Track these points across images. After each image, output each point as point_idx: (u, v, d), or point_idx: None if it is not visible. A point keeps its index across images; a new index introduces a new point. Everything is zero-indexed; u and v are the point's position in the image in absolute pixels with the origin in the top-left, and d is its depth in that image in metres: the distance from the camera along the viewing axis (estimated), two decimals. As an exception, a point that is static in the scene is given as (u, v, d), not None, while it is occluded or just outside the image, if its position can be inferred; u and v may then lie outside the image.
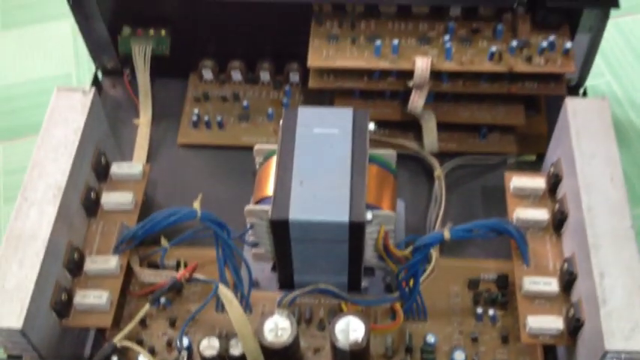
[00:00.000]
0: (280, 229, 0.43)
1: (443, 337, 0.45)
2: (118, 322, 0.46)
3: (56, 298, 0.42)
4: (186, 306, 0.47)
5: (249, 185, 0.54)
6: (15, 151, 0.60)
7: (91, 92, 0.48)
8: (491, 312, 0.46)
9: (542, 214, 0.46)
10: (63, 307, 0.42)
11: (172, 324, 0.46)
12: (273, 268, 0.49)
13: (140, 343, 0.45)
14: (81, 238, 0.46)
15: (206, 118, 0.57)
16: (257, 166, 0.49)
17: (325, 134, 0.46)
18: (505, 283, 0.47)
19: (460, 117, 0.55)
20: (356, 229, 0.43)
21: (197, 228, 0.48)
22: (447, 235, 0.43)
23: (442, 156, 0.54)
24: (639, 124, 0.59)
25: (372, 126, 0.47)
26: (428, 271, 0.48)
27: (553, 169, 0.47)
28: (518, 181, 0.48)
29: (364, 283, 0.48)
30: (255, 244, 0.47)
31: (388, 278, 0.49)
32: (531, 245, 0.45)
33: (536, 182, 0.48)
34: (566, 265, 0.43)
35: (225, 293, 0.43)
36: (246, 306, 0.47)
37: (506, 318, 0.46)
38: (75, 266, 0.44)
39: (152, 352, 0.45)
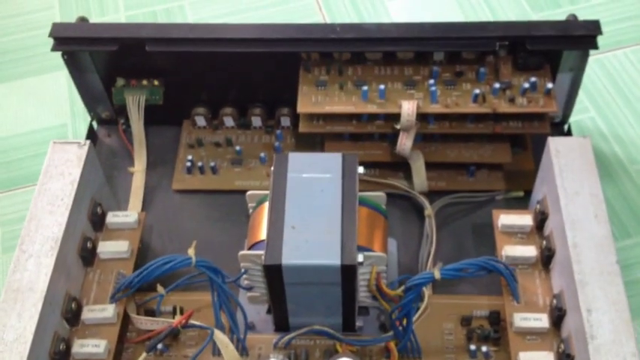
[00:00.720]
0: (274, 273, 0.44)
1: (437, 375, 0.46)
2: (116, 370, 0.46)
3: (55, 348, 0.42)
4: (183, 351, 0.48)
5: (243, 229, 0.55)
6: (12, 202, 0.61)
7: (87, 145, 0.49)
8: (484, 348, 0.46)
9: (530, 251, 0.47)
10: (61, 356, 0.43)
11: (170, 370, 0.47)
12: (269, 311, 0.50)
13: (139, 390, 0.46)
14: (78, 287, 0.46)
15: (200, 163, 0.58)
16: (250, 211, 0.50)
17: (316, 179, 0.47)
18: (497, 319, 0.48)
19: (448, 156, 0.56)
20: (348, 272, 0.44)
21: (192, 274, 0.48)
22: (437, 275, 0.43)
23: (432, 194, 0.56)
24: (624, 158, 0.60)
25: (361, 169, 0.48)
26: (421, 310, 0.49)
27: (539, 206, 0.48)
28: (506, 218, 0.49)
29: (359, 323, 0.49)
30: (250, 288, 0.48)
31: (382, 317, 0.50)
32: (521, 282, 0.46)
33: (524, 219, 0.49)
34: (555, 300, 0.44)
35: (221, 338, 0.44)
36: (243, 349, 0.47)
37: (500, 354, 0.46)
38: (72, 316, 0.44)
39: (151, 399, 0.45)
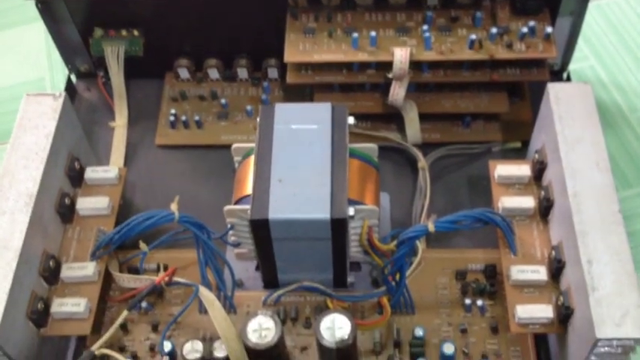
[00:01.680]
0: (261, 228, 0.42)
1: (431, 329, 0.44)
2: (98, 330, 0.45)
3: (32, 307, 0.40)
4: (169, 310, 0.46)
5: (230, 185, 0.53)
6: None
7: (62, 97, 0.46)
8: (479, 303, 0.45)
9: (527, 202, 0.45)
10: (40, 316, 0.41)
11: (155, 328, 0.45)
12: (257, 268, 0.48)
13: (122, 349, 0.44)
14: (56, 245, 0.44)
15: (184, 117, 0.56)
16: (236, 165, 0.48)
17: (304, 130, 0.45)
18: (493, 272, 0.46)
19: (442, 107, 0.54)
20: (338, 226, 0.42)
21: (176, 230, 0.47)
22: (431, 227, 0.42)
23: (426, 147, 0.54)
24: (625, 107, 0.58)
25: (351, 120, 0.45)
26: (414, 264, 0.47)
27: (537, 155, 0.46)
28: (502, 169, 0.47)
29: (350, 279, 0.47)
30: (237, 244, 0.46)
31: (375, 273, 0.48)
32: (518, 234, 0.44)
33: (521, 170, 0.47)
34: (554, 252, 0.42)
35: (207, 295, 0.42)
36: (230, 307, 0.46)
37: (496, 308, 0.45)
38: (51, 274, 0.42)
39: (135, 357, 0.44)
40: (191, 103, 0.57)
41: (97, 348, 0.39)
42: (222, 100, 0.57)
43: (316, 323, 0.40)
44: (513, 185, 0.47)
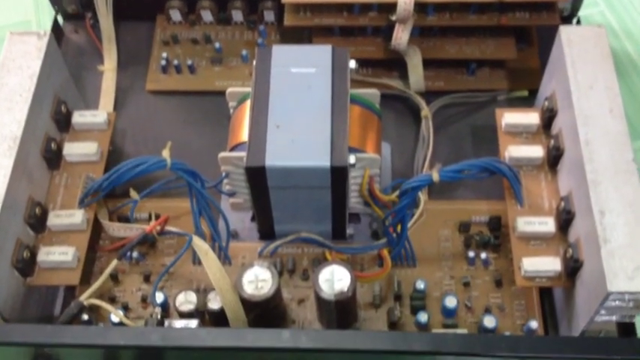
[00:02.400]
0: (257, 176, 0.40)
1: (433, 282, 0.43)
2: (88, 280, 0.43)
3: (17, 255, 0.39)
4: (161, 260, 0.44)
5: (224, 132, 0.51)
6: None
7: (47, 36, 0.44)
8: (483, 255, 0.43)
9: (536, 151, 0.43)
10: (26, 265, 0.39)
11: (147, 279, 0.44)
12: (253, 218, 0.46)
13: (113, 299, 0.43)
14: (43, 192, 0.42)
15: (176, 62, 0.53)
16: (231, 111, 0.46)
17: (302, 74, 0.43)
18: (498, 225, 0.44)
19: (447, 52, 0.51)
20: (338, 174, 0.40)
21: (169, 178, 0.45)
22: (435, 176, 0.40)
23: (428, 95, 0.51)
24: (635, 55, 0.56)
25: (353, 64, 0.43)
26: (416, 216, 0.45)
27: (547, 103, 0.44)
28: (510, 117, 0.45)
29: (349, 231, 0.45)
30: (232, 194, 0.44)
31: (375, 224, 0.46)
32: (525, 184, 0.43)
33: (529, 118, 0.45)
34: (562, 203, 0.40)
35: (200, 245, 0.40)
36: (225, 258, 0.44)
37: (500, 261, 0.44)
38: (37, 222, 0.41)
39: (126, 308, 0.42)
40: (183, 46, 0.55)
41: (85, 298, 0.38)
42: (216, 44, 0.54)
43: (314, 275, 0.39)
44: (521, 134, 0.45)
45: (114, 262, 0.39)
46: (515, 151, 0.43)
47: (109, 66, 0.53)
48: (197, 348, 0.33)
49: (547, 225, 0.40)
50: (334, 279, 0.39)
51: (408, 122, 0.52)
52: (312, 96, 0.42)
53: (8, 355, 0.35)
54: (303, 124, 0.41)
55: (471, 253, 0.43)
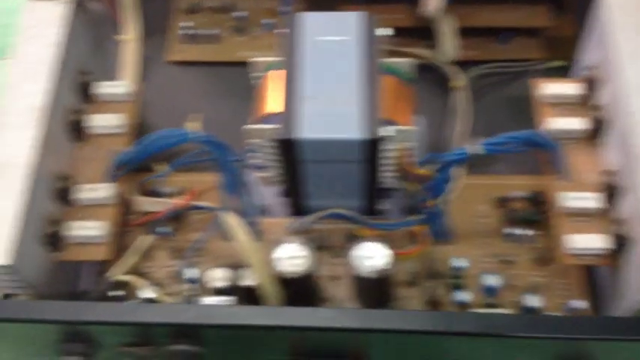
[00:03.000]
0: (288, 149, 0.39)
1: (472, 260, 0.42)
2: (115, 254, 0.42)
3: (46, 230, 0.37)
4: (190, 235, 0.43)
5: (248, 105, 0.50)
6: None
7: (68, 2, 0.42)
8: (524, 232, 0.42)
9: (576, 123, 0.42)
10: (54, 240, 0.38)
11: (176, 254, 0.42)
12: (282, 193, 0.45)
13: (142, 275, 0.41)
14: (68, 165, 0.41)
15: (198, 31, 0.51)
16: (253, 82, 0.44)
17: (334, 42, 0.41)
18: (539, 200, 0.43)
19: (480, 20, 0.49)
20: (372, 147, 0.38)
21: (196, 151, 0.43)
22: (476, 149, 0.38)
23: (459, 65, 0.49)
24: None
25: (387, 31, 0.41)
26: (453, 191, 0.44)
27: (589, 72, 0.42)
28: (547, 87, 0.43)
29: (382, 206, 0.44)
30: (260, 168, 0.43)
31: (408, 199, 0.45)
32: (566, 158, 0.41)
33: (568, 88, 0.43)
34: (608, 178, 0.39)
35: (232, 221, 0.39)
36: (256, 234, 0.43)
37: (542, 238, 0.42)
38: (64, 196, 0.39)
39: (156, 284, 0.41)
40: (205, 15, 0.53)
41: (117, 274, 0.36)
42: (239, 13, 0.52)
43: (351, 252, 0.37)
44: (560, 105, 0.43)
45: (149, 238, 0.38)
46: (555, 123, 0.42)
47: (130, 36, 0.51)
48: (235, 326, 0.32)
49: (592, 200, 0.39)
50: (372, 256, 0.37)
51: (439, 94, 0.50)
52: (344, 65, 0.40)
53: (39, 332, 0.34)
54: (334, 95, 0.39)
55: (511, 230, 0.42)
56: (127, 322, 0.32)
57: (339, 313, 0.32)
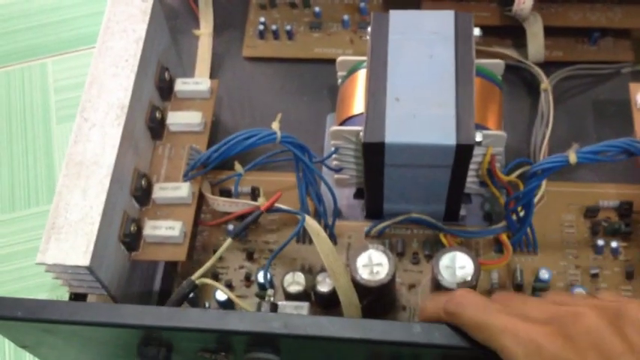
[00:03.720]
0: (374, 153, 0.38)
1: (557, 272, 0.40)
2: (190, 255, 0.41)
3: (124, 230, 0.37)
4: (263, 237, 0.42)
5: (324, 103, 0.49)
6: (65, 66, 0.55)
7: (151, -3, 0.42)
8: (613, 244, 0.40)
9: (678, 132, 0.39)
10: (132, 239, 0.38)
11: (250, 256, 0.42)
12: (356, 195, 0.44)
13: (216, 277, 0.41)
14: (147, 163, 0.41)
15: (273, 27, 0.51)
16: (339, 81, 0.43)
17: (423, 41, 0.40)
18: (629, 210, 0.41)
19: (569, 20, 0.47)
20: (463, 153, 0.37)
21: (274, 151, 0.43)
22: (572, 158, 0.36)
23: (545, 66, 0.47)
24: None
25: (477, 31, 0.40)
26: (537, 198, 0.42)
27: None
28: (648, 92, 0.41)
29: (462, 212, 0.43)
30: (339, 170, 0.42)
31: (487, 205, 0.43)
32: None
33: (670, 94, 0.41)
34: None
35: (313, 225, 0.38)
36: (331, 237, 0.42)
37: (631, 250, 0.40)
38: (143, 194, 0.39)
39: (229, 286, 0.41)
40: (281, 10, 0.52)
41: (197, 277, 0.36)
42: (316, 9, 0.51)
43: (435, 260, 0.36)
44: (659, 112, 0.41)
45: (229, 241, 0.38)
46: (655, 130, 0.39)
47: (205, 30, 0.51)
48: (322, 338, 0.31)
49: (694, 214, 0.37)
50: (456, 266, 0.36)
51: (521, 95, 0.48)
52: (434, 66, 0.39)
53: (118, 335, 0.33)
54: (424, 97, 0.38)
55: (599, 241, 0.40)
56: (213, 329, 0.31)
57: (434, 329, 0.31)
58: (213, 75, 0.50)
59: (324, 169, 0.43)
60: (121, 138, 0.37)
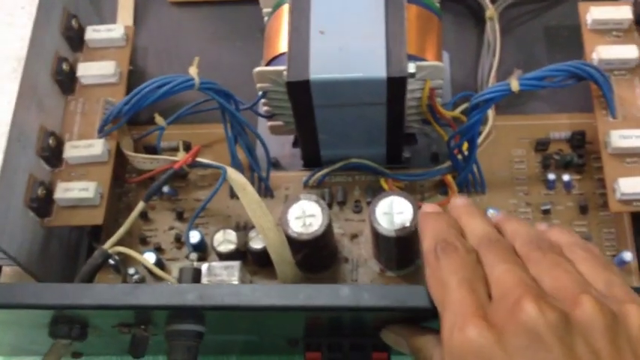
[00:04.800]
0: (300, 92, 0.35)
1: (507, 210, 0.37)
2: (115, 217, 0.38)
3: (31, 194, 0.34)
4: (194, 194, 0.40)
5: (258, 47, 0.45)
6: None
7: None
8: (565, 177, 0.37)
9: (630, 52, 0.36)
10: (42, 204, 0.34)
11: (179, 216, 0.39)
12: (295, 144, 0.41)
13: (144, 240, 0.38)
14: (57, 120, 0.37)
15: (200, -32, 0.47)
16: (265, 20, 0.40)
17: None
18: (582, 141, 0.38)
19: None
20: (396, 86, 0.34)
21: (198, 100, 0.39)
22: (514, 86, 0.33)
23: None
24: None
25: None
26: (483, 134, 0.40)
27: (643, -7, 0.37)
28: (597, 12, 0.38)
29: (406, 154, 0.40)
30: (270, 116, 0.38)
31: (434, 146, 0.40)
32: (617, 91, 0.36)
33: (621, 12, 0.38)
34: (666, 113, 0.34)
35: (236, 178, 0.35)
36: (266, 190, 0.39)
37: (585, 184, 0.38)
38: (52, 154, 0.36)
39: (158, 249, 0.38)
40: (207, -50, 0.48)
41: (110, 246, 0.33)
42: (244, -54, 0.47)
43: (371, 208, 0.33)
44: (610, 32, 0.38)
45: (140, 205, 0.34)
46: (606, 51, 0.36)
47: (125, -25, 0.47)
48: (241, 307, 0.28)
49: (646, 139, 0.34)
50: (394, 212, 0.33)
51: (468, 26, 0.45)
52: (363, -6, 0.35)
53: (26, 316, 0.30)
54: (351, 29, 0.35)
55: (551, 176, 0.37)
56: (122, 305, 0.28)
57: (362, 290, 0.28)
58: (137, 23, 0.46)
59: (260, 119, 0.40)
60: (19, 93, 0.33)
